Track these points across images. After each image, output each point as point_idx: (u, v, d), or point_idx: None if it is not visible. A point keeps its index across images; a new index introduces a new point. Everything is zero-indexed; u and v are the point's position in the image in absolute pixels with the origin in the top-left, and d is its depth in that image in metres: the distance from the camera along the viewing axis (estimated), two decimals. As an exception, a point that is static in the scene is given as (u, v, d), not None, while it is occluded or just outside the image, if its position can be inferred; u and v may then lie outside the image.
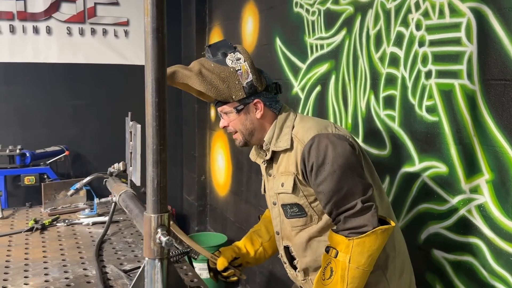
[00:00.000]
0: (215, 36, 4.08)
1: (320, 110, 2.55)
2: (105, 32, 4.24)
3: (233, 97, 1.55)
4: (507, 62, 1.53)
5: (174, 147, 4.75)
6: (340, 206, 1.44)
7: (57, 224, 1.95)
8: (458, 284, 1.76)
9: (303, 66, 2.71)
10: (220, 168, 4.15)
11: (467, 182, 1.70)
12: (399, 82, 2.00)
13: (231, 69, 1.53)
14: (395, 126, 2.03)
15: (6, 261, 1.58)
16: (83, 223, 1.95)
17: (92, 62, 4.22)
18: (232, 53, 1.56)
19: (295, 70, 2.81)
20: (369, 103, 2.19)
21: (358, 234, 1.40)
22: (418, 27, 1.89)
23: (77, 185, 2.01)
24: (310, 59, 2.65)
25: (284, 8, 2.92)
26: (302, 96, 2.71)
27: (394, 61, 2.03)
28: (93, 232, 1.88)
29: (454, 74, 1.73)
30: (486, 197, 1.63)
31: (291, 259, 1.68)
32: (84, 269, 1.51)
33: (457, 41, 1.72)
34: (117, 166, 1.76)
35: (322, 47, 2.55)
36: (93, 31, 4.19)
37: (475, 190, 1.68)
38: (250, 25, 3.41)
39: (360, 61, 2.25)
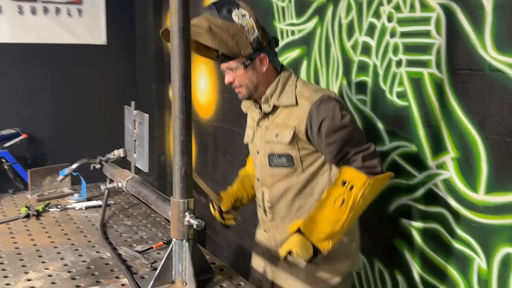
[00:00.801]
0: (174, 16, 4.09)
1: (291, 93, 2.70)
2: (58, 10, 4.12)
3: (242, 52, 1.66)
4: (473, 54, 1.75)
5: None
6: (357, 146, 1.65)
7: (50, 209, 1.98)
8: (425, 248, 2.01)
9: (273, 51, 2.84)
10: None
11: (434, 159, 1.94)
12: (371, 69, 2.19)
13: (239, 25, 1.63)
14: (367, 109, 2.23)
15: (15, 248, 1.61)
16: (76, 208, 2.00)
17: (45, 41, 4.10)
18: (237, 9, 1.66)
19: (264, 54, 2.92)
20: (341, 88, 2.37)
21: (372, 174, 1.61)
22: (389, 19, 2.08)
23: (66, 171, 2.04)
24: (281, 44, 2.78)
25: (252, -7, 3.01)
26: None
27: (366, 49, 2.21)
28: (89, 217, 1.93)
29: (424, 64, 1.94)
30: (451, 172, 1.87)
31: (264, 204, 1.84)
32: (97, 251, 1.58)
33: (427, 34, 1.92)
34: (117, 153, 1.82)
35: (293, 33, 2.68)
36: (45, 10, 4.06)
37: (441, 166, 1.91)
38: (214, 8, 3.47)
39: (333, 48, 2.41)
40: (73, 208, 2.00)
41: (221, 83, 3.47)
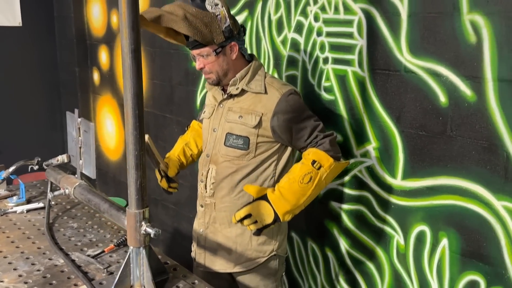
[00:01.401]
0: (96, -2, 3.97)
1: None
2: (-34, -10, 3.83)
3: (215, 40, 1.76)
4: (390, 56, 1.95)
5: (53, 111, 4.59)
6: (324, 131, 1.87)
7: (-11, 214, 1.96)
8: (352, 227, 2.25)
9: (203, 41, 2.90)
10: (109, 132, 4.18)
11: (358, 149, 2.15)
12: (300, 65, 2.35)
13: (212, 14, 1.73)
14: (297, 101, 2.39)
15: None
16: (17, 212, 1.99)
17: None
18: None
19: (194, 43, 2.98)
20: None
21: (336, 159, 1.85)
22: (316, 19, 2.23)
23: (4, 174, 2.01)
24: (210, 34, 2.84)
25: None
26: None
27: (295, 45, 2.36)
28: (33, 220, 1.94)
29: (348, 62, 2.12)
30: (373, 161, 2.10)
31: (207, 179, 1.98)
32: (50, 259, 1.61)
33: (350, 35, 2.09)
34: (61, 158, 1.83)
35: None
36: (-48, -10, 3.76)
37: (364, 155, 2.13)
38: (139, -7, 3.42)
39: (263, 42, 2.53)
40: (15, 212, 1.99)
41: (150, 68, 3.48)
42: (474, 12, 1.67)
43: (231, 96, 1.91)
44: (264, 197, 1.82)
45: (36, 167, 2.07)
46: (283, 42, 2.42)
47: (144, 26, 1.76)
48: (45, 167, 1.91)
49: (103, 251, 1.64)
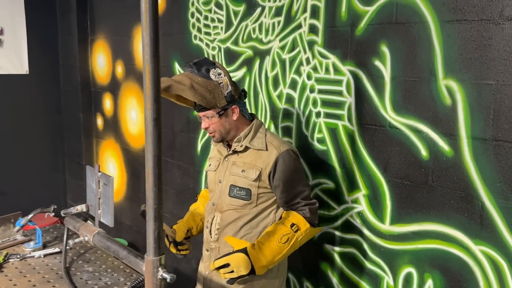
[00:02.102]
0: (100, 48, 4.22)
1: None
2: (-22, 41, 4.06)
3: (218, 104, 1.98)
4: (376, 113, 2.18)
5: (55, 155, 4.76)
6: (306, 199, 2.07)
7: (10, 260, 2.10)
8: (344, 269, 2.42)
9: (204, 92, 3.13)
10: (111, 175, 4.34)
11: (349, 195, 2.35)
12: (295, 117, 2.57)
13: (215, 82, 1.97)
14: (292, 151, 2.60)
15: None
16: (35, 256, 2.14)
17: (-35, 73, 4.03)
18: (213, 69, 1.99)
19: (196, 94, 3.21)
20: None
21: (312, 225, 2.05)
22: (309, 77, 2.46)
23: (22, 221, 2.18)
24: (211, 87, 3.07)
25: (181, 37, 3.28)
26: (204, 118, 3.13)
27: (289, 100, 2.58)
28: (50, 265, 2.09)
29: (338, 117, 2.35)
30: (363, 206, 2.29)
31: (212, 225, 2.15)
32: (71, 304, 1.78)
33: (339, 93, 2.33)
34: (80, 208, 2.00)
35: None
36: (-35, 41, 3.99)
37: (355, 201, 2.33)
38: (143, 46, 3.67)
39: (260, 96, 2.76)
40: (32, 256, 2.14)
41: (153, 117, 3.68)
42: (449, 78, 1.91)
43: (235, 151, 2.11)
44: (243, 250, 2.00)
45: (52, 214, 2.23)
46: (279, 97, 2.65)
47: (162, 94, 1.99)
48: (63, 215, 2.07)
49: (120, 295, 1.80)
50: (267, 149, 2.08)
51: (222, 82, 2.01)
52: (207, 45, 3.09)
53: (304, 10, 2.44)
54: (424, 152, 2.02)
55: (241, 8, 2.81)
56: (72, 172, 4.77)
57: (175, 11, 3.31)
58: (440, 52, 1.93)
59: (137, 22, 3.70)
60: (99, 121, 4.42)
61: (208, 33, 3.07)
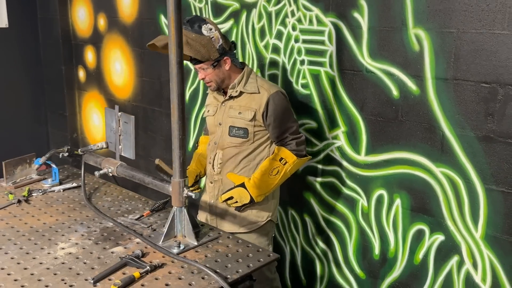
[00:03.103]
0: (81, 1, 4.31)
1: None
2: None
3: (211, 57, 2.24)
4: (355, 59, 2.50)
5: (37, 107, 4.88)
6: (293, 134, 2.38)
7: (33, 194, 2.35)
8: (325, 195, 2.80)
9: (192, 43, 3.36)
10: (96, 126, 4.55)
11: (330, 133, 2.70)
12: (281, 65, 2.86)
13: (208, 37, 2.22)
14: (278, 95, 2.90)
15: (30, 227, 2.01)
16: (55, 191, 2.40)
17: None
18: (205, 25, 2.25)
19: (183, 45, 3.43)
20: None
21: (299, 156, 2.37)
22: (293, 28, 2.75)
23: (41, 160, 2.41)
24: (199, 38, 3.31)
25: (168, -9, 3.46)
26: (192, 68, 3.38)
27: (275, 50, 2.87)
28: (71, 197, 2.35)
29: (321, 64, 2.66)
30: (343, 142, 2.65)
31: (214, 161, 2.48)
32: (100, 223, 2.05)
33: (322, 42, 2.63)
34: (101, 145, 2.25)
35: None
36: None
37: (335, 137, 2.68)
38: (128, -1, 3.83)
39: (248, 47, 3.02)
40: (53, 191, 2.39)
41: (139, 67, 3.89)
42: (417, 27, 2.25)
43: (231, 97, 2.40)
44: (242, 184, 2.36)
45: (66, 154, 2.47)
46: (266, 47, 2.92)
47: (155, 49, 2.24)
48: (80, 152, 2.32)
49: (142, 215, 2.10)
50: (259, 92, 2.37)
51: (213, 37, 2.25)
52: (194, -2, 3.29)
53: (289, -34, 2.69)
54: (395, 92, 2.38)
55: (228, -36, 3.02)
56: (55, 124, 4.91)
57: (161, -35, 3.47)
58: (410, 4, 2.25)
59: (120, -24, 3.83)
60: (81, 73, 4.56)
61: (195, -13, 3.27)
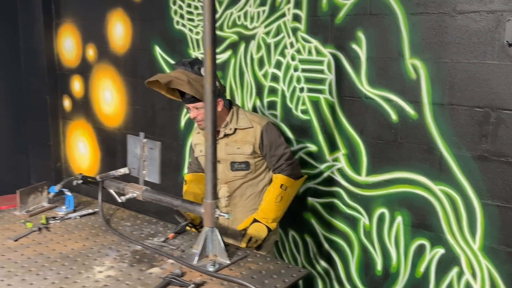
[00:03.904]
0: (68, 32, 4.37)
1: (210, 108, 3.40)
2: None
3: None
4: (354, 87, 2.70)
5: (17, 136, 4.82)
6: (287, 160, 2.52)
7: (50, 222, 2.36)
8: (325, 215, 2.95)
9: (188, 73, 3.49)
10: (82, 154, 4.54)
11: (330, 155, 2.87)
12: (280, 93, 3.03)
13: None
14: (278, 121, 3.06)
15: (60, 253, 2.01)
16: (71, 218, 2.42)
17: None
18: (203, 67, 2.34)
19: (179, 75, 3.55)
20: (255, 105, 3.16)
21: (296, 178, 2.52)
22: (293, 58, 2.93)
23: (56, 188, 2.44)
24: (196, 68, 3.44)
25: (162, 23, 3.59)
26: (188, 96, 3.49)
27: (275, 78, 3.04)
28: (90, 222, 2.37)
29: (320, 91, 2.84)
30: (343, 164, 2.82)
31: (220, 194, 2.57)
32: (128, 246, 2.10)
33: (321, 71, 2.82)
34: (123, 171, 2.30)
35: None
36: None
37: (336, 159, 2.85)
38: (119, 30, 3.92)
39: (246, 75, 3.18)
40: (69, 218, 2.41)
41: (131, 96, 3.96)
42: (414, 58, 2.47)
43: (226, 135, 2.52)
44: (254, 221, 2.49)
45: (80, 182, 2.51)
46: (265, 76, 3.09)
47: (151, 85, 2.39)
48: (99, 179, 2.36)
49: (167, 238, 2.17)
50: (252, 126, 2.51)
51: None
52: (190, 30, 3.44)
53: (288, 1, 2.89)
54: (394, 117, 2.58)
55: (226, -2, 3.20)
56: (36, 153, 4.85)
57: (155, -1, 3.61)
58: (407, 38, 2.48)
59: (111, 8, 3.93)
60: (66, 103, 4.56)
61: (191, 19, 3.42)
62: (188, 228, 2.53)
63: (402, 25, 2.48)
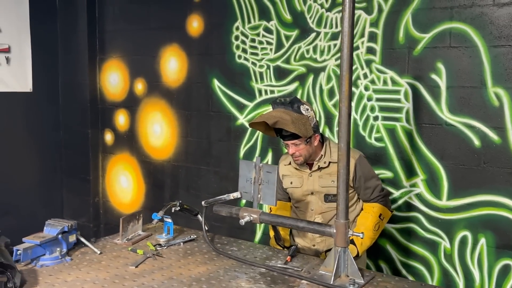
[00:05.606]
0: (113, 66, 4.43)
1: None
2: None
3: (308, 134, 2.42)
4: (433, 114, 2.83)
5: (53, 171, 4.77)
6: (381, 191, 2.58)
7: (157, 249, 2.36)
8: (402, 241, 3.01)
9: (250, 104, 3.59)
10: (123, 188, 4.51)
11: (408, 181, 2.96)
12: (352, 122, 3.14)
13: (306, 116, 2.41)
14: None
15: (190, 276, 2.00)
16: (175, 244, 2.42)
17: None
18: (302, 106, 2.44)
19: (240, 106, 3.65)
20: (324, 133, 3.25)
21: (391, 211, 2.60)
22: (366, 88, 3.06)
23: (158, 214, 2.45)
24: (259, 99, 3.54)
25: (223, 57, 3.70)
26: (249, 128, 3.56)
27: (347, 108, 3.15)
28: (196, 248, 2.38)
29: (396, 119, 2.97)
30: (422, 189, 2.92)
31: None
32: (252, 269, 2.12)
33: (397, 100, 2.95)
34: (236, 195, 2.33)
35: (272, 91, 3.48)
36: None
37: (413, 185, 2.95)
38: (174, 64, 4.00)
39: (314, 105, 3.29)
40: (173, 244, 2.42)
41: (184, 128, 4.01)
42: (496, 86, 2.63)
43: (319, 168, 2.60)
44: (351, 241, 2.52)
45: (178, 208, 2.52)
46: (334, 106, 3.20)
47: (255, 126, 2.47)
48: (204, 204, 2.38)
49: (286, 261, 2.20)
50: None
51: (310, 116, 2.49)
52: (253, 63, 3.55)
53: (362, 35, 3.05)
54: (476, 142, 2.72)
55: (294, 33, 3.34)
56: (71, 188, 4.79)
57: (215, 35, 3.72)
58: (488, 68, 2.65)
59: (165, 43, 4.03)
60: (108, 137, 4.57)
61: (255, 54, 3.54)
62: (279, 247, 2.55)
63: (484, 57, 2.66)
